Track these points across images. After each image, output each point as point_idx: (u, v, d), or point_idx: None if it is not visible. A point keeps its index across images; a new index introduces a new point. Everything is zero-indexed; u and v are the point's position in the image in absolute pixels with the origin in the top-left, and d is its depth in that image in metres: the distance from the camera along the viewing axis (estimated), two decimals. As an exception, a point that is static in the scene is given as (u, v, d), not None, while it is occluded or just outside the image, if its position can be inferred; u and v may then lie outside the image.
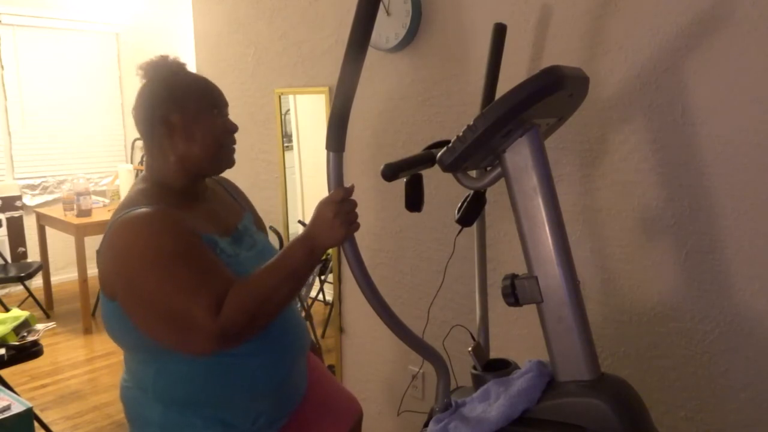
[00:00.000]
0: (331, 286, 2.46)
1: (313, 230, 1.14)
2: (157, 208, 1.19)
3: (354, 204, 1.15)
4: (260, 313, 1.15)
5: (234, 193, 1.52)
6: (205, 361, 1.20)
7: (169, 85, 1.29)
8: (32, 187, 5.01)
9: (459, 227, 1.47)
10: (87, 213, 4.16)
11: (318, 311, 2.65)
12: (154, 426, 1.25)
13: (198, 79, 1.34)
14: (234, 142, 1.34)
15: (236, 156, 1.36)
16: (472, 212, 1.45)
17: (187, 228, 1.19)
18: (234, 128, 1.32)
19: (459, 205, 1.46)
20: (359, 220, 1.17)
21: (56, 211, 4.34)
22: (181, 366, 1.21)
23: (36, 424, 2.41)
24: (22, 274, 4.05)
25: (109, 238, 1.20)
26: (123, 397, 1.33)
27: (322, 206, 1.14)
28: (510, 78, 1.73)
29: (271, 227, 2.78)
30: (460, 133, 1.10)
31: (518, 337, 1.86)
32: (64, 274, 5.09)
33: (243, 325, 1.13)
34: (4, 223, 4.82)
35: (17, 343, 2.29)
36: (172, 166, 1.28)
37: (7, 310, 2.87)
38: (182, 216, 1.21)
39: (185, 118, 1.26)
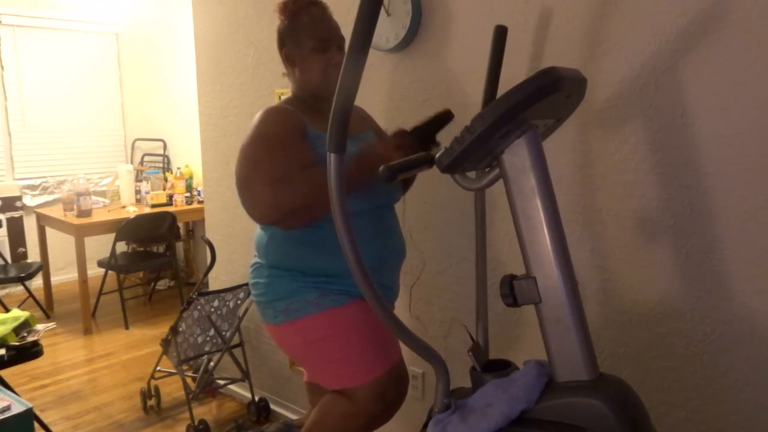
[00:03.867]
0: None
1: (369, 149, 1.50)
2: (283, 105, 1.60)
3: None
4: (306, 198, 1.45)
5: (363, 116, 1.81)
6: (301, 234, 1.56)
7: (290, 25, 1.61)
8: (32, 188, 5.01)
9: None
10: (87, 213, 4.16)
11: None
12: (262, 285, 1.62)
13: (316, 18, 1.60)
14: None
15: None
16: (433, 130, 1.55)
17: (294, 122, 1.54)
18: (336, 61, 1.58)
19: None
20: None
21: (56, 212, 4.34)
22: (285, 235, 1.57)
23: (36, 424, 2.41)
24: (22, 275, 4.05)
25: None
26: (250, 270, 1.70)
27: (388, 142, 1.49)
28: (510, 79, 1.73)
29: (203, 238, 2.82)
30: (458, 134, 1.10)
31: (517, 337, 1.86)
32: (64, 275, 5.10)
33: (290, 202, 1.45)
34: (4, 223, 4.82)
35: (17, 344, 2.29)
36: (298, 89, 1.66)
37: (7, 310, 2.88)
38: (298, 114, 1.56)
39: (301, 54, 1.59)
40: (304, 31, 1.58)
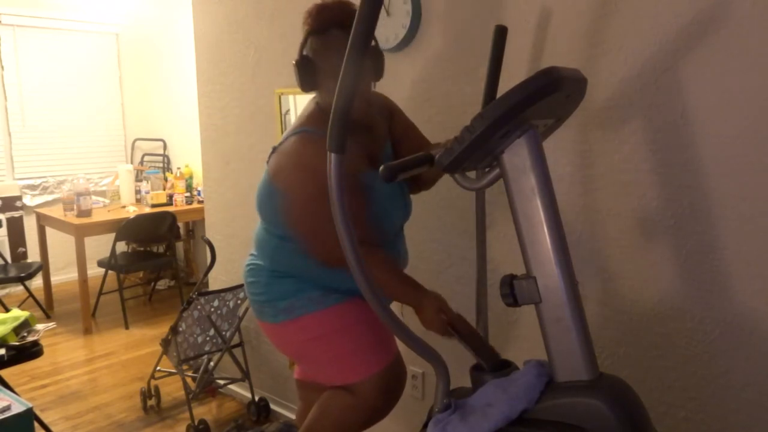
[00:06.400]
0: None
1: (423, 299, 1.47)
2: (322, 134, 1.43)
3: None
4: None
5: (383, 113, 1.68)
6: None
7: (320, 40, 1.50)
8: (32, 188, 5.01)
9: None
10: (87, 213, 4.16)
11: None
12: (262, 285, 1.63)
13: (340, 47, 1.48)
14: (368, 90, 1.56)
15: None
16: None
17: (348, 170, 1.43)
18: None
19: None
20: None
21: (56, 212, 4.34)
22: (293, 247, 1.57)
23: (36, 424, 2.41)
24: (22, 275, 4.05)
25: (285, 146, 1.54)
26: (247, 270, 1.69)
27: (441, 309, 1.46)
28: (510, 78, 1.73)
29: (203, 237, 2.81)
30: (458, 134, 1.10)
31: (517, 337, 1.86)
32: (64, 275, 5.10)
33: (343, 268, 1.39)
34: (4, 223, 4.82)
35: (17, 344, 2.29)
36: (324, 102, 1.55)
37: (7, 310, 2.88)
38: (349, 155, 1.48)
39: (325, 73, 1.49)
40: (329, 57, 1.47)
